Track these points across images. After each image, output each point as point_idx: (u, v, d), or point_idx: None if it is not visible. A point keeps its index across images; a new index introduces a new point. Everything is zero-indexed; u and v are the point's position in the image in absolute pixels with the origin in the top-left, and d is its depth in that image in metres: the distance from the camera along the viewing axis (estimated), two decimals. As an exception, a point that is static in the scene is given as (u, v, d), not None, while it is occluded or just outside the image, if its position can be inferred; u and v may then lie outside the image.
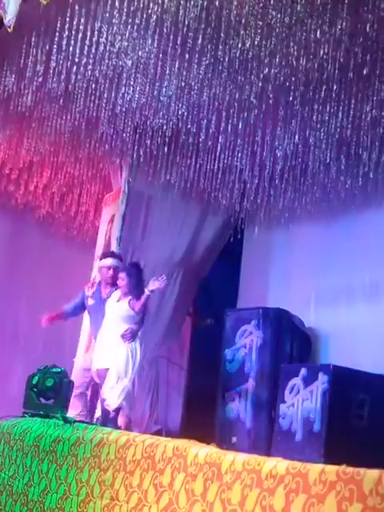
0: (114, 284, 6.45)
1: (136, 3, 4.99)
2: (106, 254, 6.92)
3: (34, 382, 6.08)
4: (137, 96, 5.97)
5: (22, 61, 5.67)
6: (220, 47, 5.29)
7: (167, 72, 5.67)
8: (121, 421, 6.12)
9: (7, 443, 5.55)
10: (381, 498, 2.58)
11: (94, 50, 5.39)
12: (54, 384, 6.04)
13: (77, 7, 5.12)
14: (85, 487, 4.33)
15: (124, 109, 6.21)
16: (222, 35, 5.18)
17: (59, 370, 6.18)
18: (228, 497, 3.24)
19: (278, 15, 4.94)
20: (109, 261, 6.58)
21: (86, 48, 5.35)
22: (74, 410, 6.38)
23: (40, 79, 5.81)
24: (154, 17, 5.07)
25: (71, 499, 4.41)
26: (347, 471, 2.78)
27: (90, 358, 6.53)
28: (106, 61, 5.60)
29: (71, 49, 5.36)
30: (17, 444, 5.38)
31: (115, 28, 5.26)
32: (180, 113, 6.13)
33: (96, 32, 5.27)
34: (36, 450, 5.07)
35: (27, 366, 6.85)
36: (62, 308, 6.75)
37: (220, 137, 6.40)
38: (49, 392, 6.03)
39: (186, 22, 5.07)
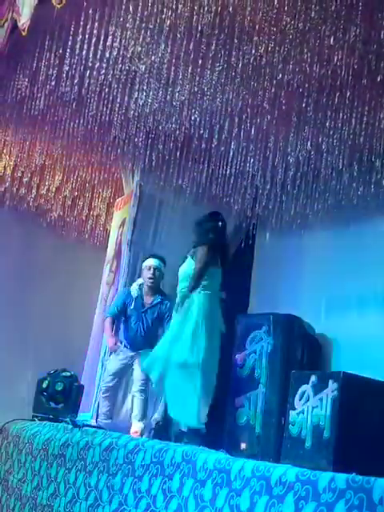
0: (155, 289, 6.35)
1: (150, 8, 4.99)
2: (150, 255, 6.63)
3: (44, 385, 6.09)
4: (149, 101, 5.97)
5: (36, 64, 5.69)
6: (233, 53, 5.28)
7: (180, 77, 5.66)
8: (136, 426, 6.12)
9: (16, 446, 5.56)
10: (391, 506, 2.56)
11: (107, 55, 5.40)
12: (63, 388, 6.05)
13: (90, 11, 5.13)
14: (93, 491, 4.32)
15: (137, 113, 6.22)
16: (236, 41, 5.17)
17: (69, 374, 6.19)
18: (237, 503, 3.23)
19: (292, 21, 4.92)
20: (150, 261, 6.39)
21: (100, 52, 5.35)
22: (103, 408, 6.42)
23: (53, 83, 5.82)
24: (168, 22, 5.07)
25: (80, 503, 4.41)
26: (357, 479, 2.76)
27: (116, 363, 6.44)
28: (119, 65, 5.61)
29: (84, 53, 5.36)
30: (26, 447, 5.39)
31: (129, 32, 5.25)
32: (192, 118, 6.13)
33: (109, 36, 5.27)
34: (45, 453, 5.07)
35: (37, 369, 6.87)
36: (109, 320, 6.52)
37: (232, 142, 6.40)
38: (58, 396, 6.04)
39: (200, 28, 5.07)
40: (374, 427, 5.55)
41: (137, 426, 6.11)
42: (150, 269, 6.34)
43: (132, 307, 6.35)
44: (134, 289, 6.41)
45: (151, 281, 6.31)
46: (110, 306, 6.92)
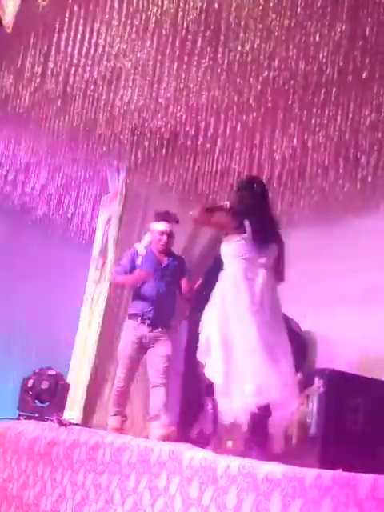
0: (168, 253, 5.76)
1: (135, 5, 4.97)
2: (160, 214, 5.83)
3: (30, 384, 6.07)
4: (135, 98, 5.96)
5: (20, 61, 5.66)
6: (219, 49, 5.27)
7: (166, 74, 5.65)
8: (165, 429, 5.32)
9: (2, 446, 5.53)
10: (376, 502, 2.56)
11: (92, 52, 5.38)
12: (49, 387, 6.03)
13: (75, 8, 5.11)
14: (80, 490, 4.31)
15: (122, 110, 6.20)
16: (221, 37, 5.16)
17: (55, 372, 6.16)
18: (224, 501, 3.22)
19: (278, 18, 4.92)
20: (161, 226, 5.70)
21: (85, 49, 5.34)
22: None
23: (38, 80, 5.80)
24: (153, 18, 5.06)
25: (66, 502, 4.39)
26: (343, 476, 2.76)
27: (128, 347, 5.65)
28: (105, 62, 5.59)
29: (69, 50, 5.35)
30: (11, 447, 5.37)
31: (114, 29, 5.24)
32: (178, 115, 6.12)
33: (94, 33, 5.25)
34: (31, 452, 5.05)
35: (23, 368, 6.83)
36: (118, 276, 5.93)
37: (218, 139, 6.39)
38: (44, 395, 6.02)
39: (185, 24, 5.06)
40: (360, 424, 5.58)
41: (166, 429, 5.27)
42: (162, 234, 5.71)
43: (141, 263, 5.70)
44: (142, 246, 5.81)
45: (165, 247, 5.75)
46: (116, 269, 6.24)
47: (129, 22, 5.12)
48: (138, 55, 5.50)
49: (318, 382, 5.65)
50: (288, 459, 3.65)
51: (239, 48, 5.19)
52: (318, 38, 4.96)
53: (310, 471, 2.93)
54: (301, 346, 6.88)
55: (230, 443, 6.28)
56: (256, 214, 4.50)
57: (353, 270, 6.69)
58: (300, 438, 5.60)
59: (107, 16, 5.14)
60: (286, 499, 2.91)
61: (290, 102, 5.67)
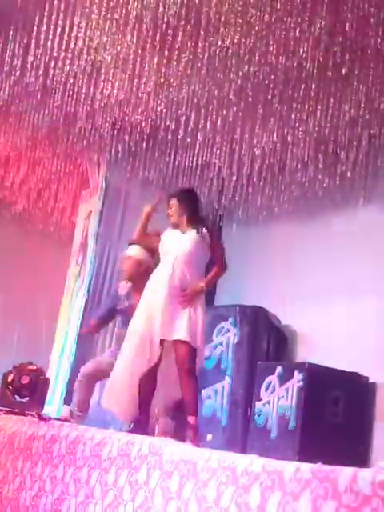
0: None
1: (115, -1, 4.98)
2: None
3: (9, 379, 6.04)
4: (115, 92, 5.95)
5: (-1, 54, 5.65)
6: (199, 44, 5.28)
7: (146, 68, 5.65)
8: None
9: (-19, 440, 5.51)
10: (355, 495, 2.58)
11: (72, 45, 5.37)
12: (29, 382, 6.00)
13: (55, 1, 5.09)
14: (59, 485, 4.30)
15: (102, 104, 6.18)
16: (202, 32, 5.17)
17: (35, 367, 6.14)
18: (203, 494, 3.23)
19: (258, 13, 4.94)
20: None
21: (64, 42, 5.32)
22: None
23: (17, 73, 5.77)
24: (134, 13, 5.06)
25: (46, 497, 4.38)
26: (322, 469, 2.77)
27: None
28: (85, 56, 5.58)
29: (49, 43, 5.33)
30: (-9, 441, 5.34)
31: (94, 23, 5.23)
32: (159, 109, 6.12)
33: (75, 27, 5.24)
34: (10, 447, 5.03)
35: (2, 363, 6.81)
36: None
37: (199, 134, 6.40)
38: (24, 390, 5.99)
39: (166, 19, 5.06)
40: (339, 417, 5.64)
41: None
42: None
43: (121, 308, 5.34)
44: (123, 286, 5.40)
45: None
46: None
47: (109, 15, 5.12)
48: (119, 49, 5.49)
49: (297, 376, 5.71)
50: (268, 452, 3.67)
51: (219, 43, 5.20)
52: (297, 33, 4.98)
53: (290, 464, 2.95)
54: (280, 339, 6.92)
55: (209, 436, 6.32)
56: None
57: (332, 265, 6.73)
58: (280, 431, 5.65)
59: (87, 9, 5.13)
60: (265, 492, 2.92)
61: (270, 96, 5.69)
